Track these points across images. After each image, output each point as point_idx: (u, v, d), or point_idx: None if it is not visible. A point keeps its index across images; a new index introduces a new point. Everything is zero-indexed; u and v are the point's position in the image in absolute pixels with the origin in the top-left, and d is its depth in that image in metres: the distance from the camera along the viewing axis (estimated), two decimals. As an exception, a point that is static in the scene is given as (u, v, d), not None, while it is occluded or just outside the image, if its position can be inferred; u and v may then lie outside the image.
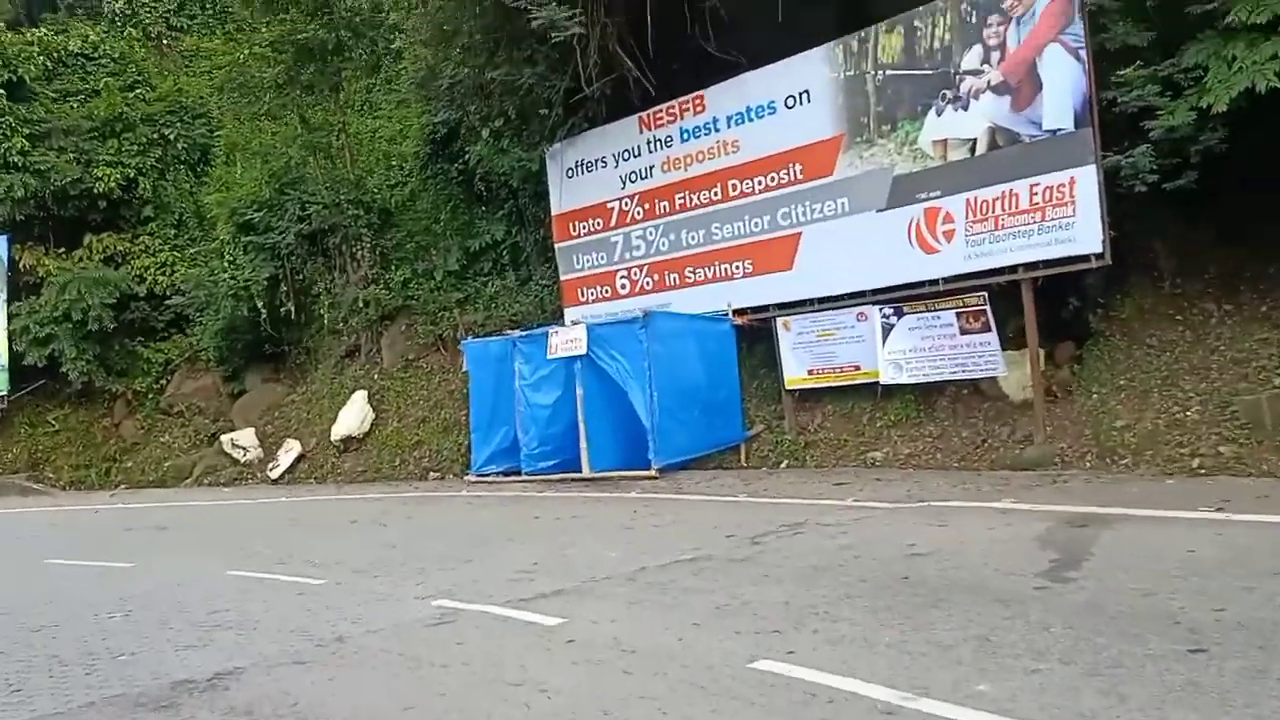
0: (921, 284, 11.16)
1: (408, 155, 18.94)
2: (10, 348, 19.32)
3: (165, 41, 23.93)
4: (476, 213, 17.87)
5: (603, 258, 14.84)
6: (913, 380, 11.30)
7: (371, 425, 17.39)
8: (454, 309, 17.44)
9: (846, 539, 6.85)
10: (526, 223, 17.14)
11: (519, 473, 13.25)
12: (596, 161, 14.80)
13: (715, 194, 13.31)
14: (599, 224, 14.87)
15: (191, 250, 20.92)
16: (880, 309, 11.46)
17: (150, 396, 20.43)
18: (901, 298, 11.34)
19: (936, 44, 11.18)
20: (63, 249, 20.10)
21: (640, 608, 5.56)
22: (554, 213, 15.48)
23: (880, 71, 11.67)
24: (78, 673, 5.46)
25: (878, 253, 11.47)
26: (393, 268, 18.20)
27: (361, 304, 17.94)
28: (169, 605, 7.10)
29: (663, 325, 12.25)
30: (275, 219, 17.90)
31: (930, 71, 11.22)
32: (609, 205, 14.70)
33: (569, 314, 15.20)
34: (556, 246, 15.61)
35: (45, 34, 20.79)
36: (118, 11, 22.88)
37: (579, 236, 15.18)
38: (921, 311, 11.19)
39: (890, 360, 11.34)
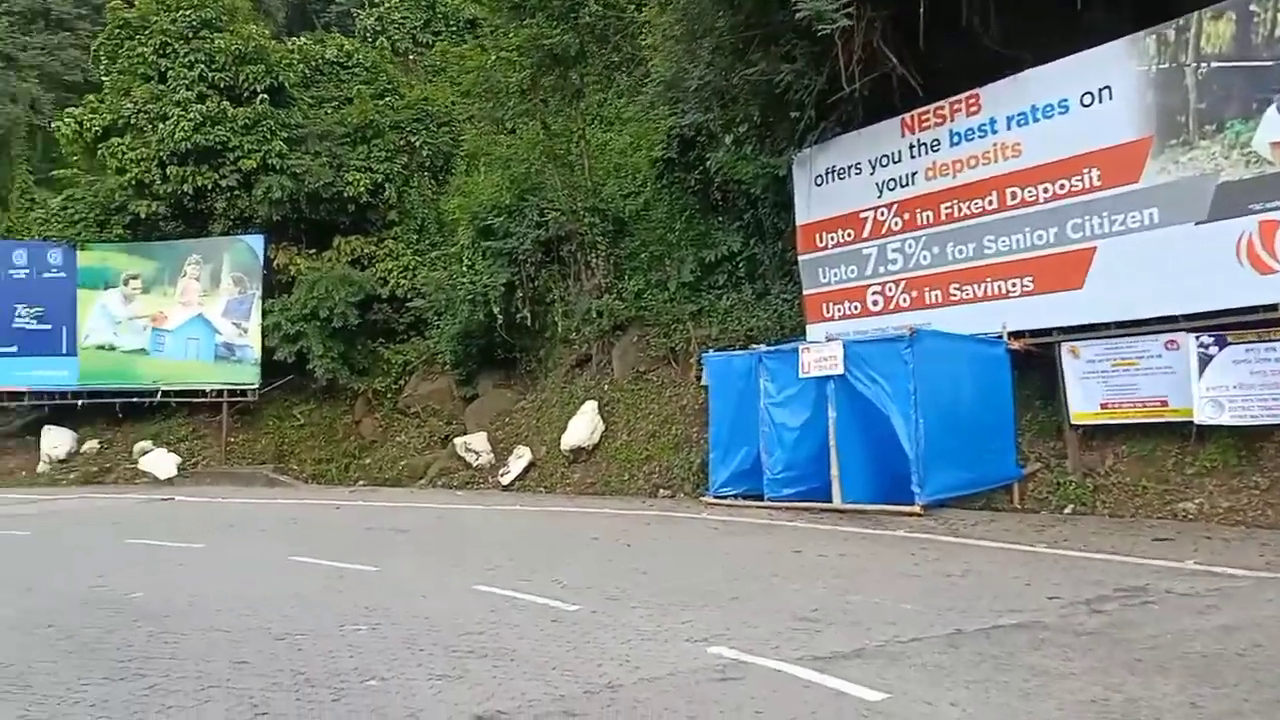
0: (1253, 309, 9.46)
1: (641, 165, 18.55)
2: (263, 343, 20.26)
3: (411, 56, 24.82)
4: (713, 223, 17.22)
5: (853, 271, 13.74)
6: (1236, 422, 9.60)
7: (601, 437, 16.98)
8: (687, 321, 16.81)
9: (1221, 617, 5.54)
10: (766, 234, 16.30)
11: (760, 497, 12.36)
12: (850, 168, 13.75)
13: (990, 203, 11.96)
14: (850, 235, 13.78)
15: (432, 255, 21.36)
16: (1197, 337, 9.83)
17: (389, 396, 20.94)
18: (1225, 325, 9.68)
19: (1279, 31, 9.51)
20: (313, 250, 20.97)
21: (984, 690, 4.51)
22: (799, 223, 14.52)
23: (1203, 64, 10.04)
24: (325, 697, 5.00)
25: (1194, 271, 9.85)
26: (626, 278, 17.80)
27: (595, 313, 17.63)
28: (416, 622, 6.65)
29: (931, 345, 11.05)
30: (514, 225, 17.90)
31: (1270, 63, 9.54)
32: (862, 215, 13.59)
33: (811, 331, 14.20)
34: (800, 259, 14.65)
35: (305, 43, 21.85)
36: (369, 28, 23.89)
37: (826, 249, 14.15)
38: (1252, 342, 9.50)
39: (1209, 397, 9.69)
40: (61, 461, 20.43)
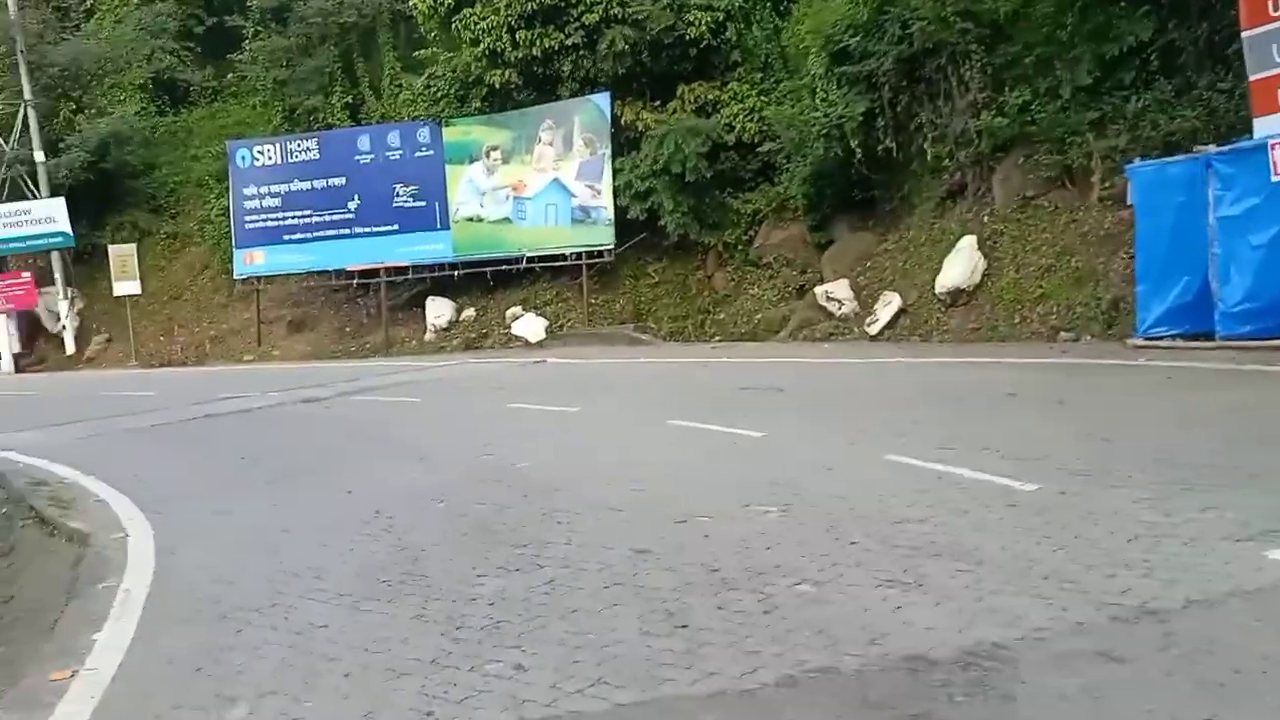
0: None
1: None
2: (615, 203, 19.96)
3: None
4: (1113, 11, 14.17)
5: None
6: None
7: (983, 276, 15.00)
8: (1086, 133, 14.19)
9: None
10: (1188, 11, 13.18)
11: (1208, 336, 10.05)
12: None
13: None
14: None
15: (777, 94, 19.81)
16: None
17: (739, 248, 20.02)
18: None
19: None
20: (657, 102, 20.14)
21: None
22: (1248, -14, 11.37)
23: None
24: (751, 605, 4.06)
25: None
26: (1007, 90, 15.26)
27: (970, 135, 15.39)
28: (833, 503, 5.58)
29: None
30: (872, 44, 15.86)
31: None
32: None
33: (1261, 125, 11.20)
34: (1244, 36, 11.56)
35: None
36: None
37: (1288, 16, 10.98)
38: None
39: None
40: (444, 329, 21.69)
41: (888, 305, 15.86)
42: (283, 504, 7.29)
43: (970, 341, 14.24)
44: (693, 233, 19.72)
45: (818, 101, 17.39)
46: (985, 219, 15.57)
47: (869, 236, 18.36)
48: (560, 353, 18.00)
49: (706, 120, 19.43)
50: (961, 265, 15.06)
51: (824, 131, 16.91)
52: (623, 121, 20.16)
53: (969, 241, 15.22)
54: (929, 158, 16.15)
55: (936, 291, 15.22)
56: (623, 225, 20.21)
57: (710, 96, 20.00)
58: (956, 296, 15.03)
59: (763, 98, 19.78)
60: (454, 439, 9.49)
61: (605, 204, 20.16)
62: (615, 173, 19.95)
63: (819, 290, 17.06)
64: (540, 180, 20.90)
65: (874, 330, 15.71)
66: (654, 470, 7.10)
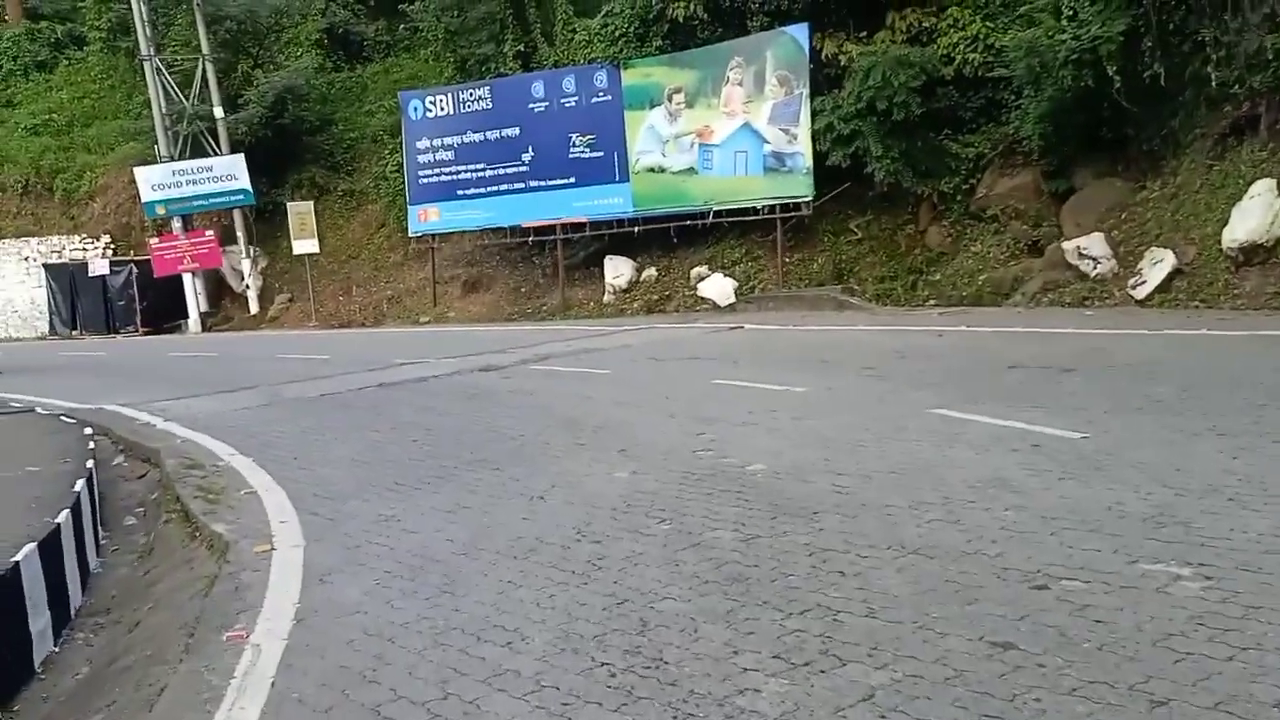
0: None
1: None
2: (814, 148, 17.81)
3: None
4: None
5: None
6: None
7: (1287, 228, 12.21)
8: None
9: None
10: None
11: None
12: None
13: None
14: None
15: (1004, 19, 17.15)
16: None
17: (958, 199, 17.55)
18: None
19: None
20: (863, 33, 17.80)
21: None
22: None
23: None
24: None
25: None
26: (1321, -5, 12.29)
27: (1266, 56, 12.50)
28: (1270, 561, 3.55)
29: None
30: (1143, -56, 13.14)
31: None
32: None
33: None
34: None
35: None
36: None
37: None
38: None
39: None
40: (624, 291, 20.18)
41: (1158, 264, 13.23)
42: (460, 509, 5.81)
43: (1272, 308, 11.57)
44: (904, 181, 17.37)
45: (1064, 22, 14.74)
46: (1286, 157, 12.72)
47: (1120, 183, 15.63)
48: (755, 317, 16.14)
49: (921, 50, 17.00)
50: (1257, 216, 12.31)
51: (1072, 56, 14.28)
52: (823, 56, 17.93)
53: (1266, 186, 12.43)
54: (1212, 84, 13.30)
55: (1224, 247, 12.51)
56: (822, 174, 18.04)
57: (925, 23, 17.54)
58: (1251, 254, 12.29)
59: (988, 23, 17.16)
60: (659, 424, 7.83)
61: (803, 150, 18.02)
62: (814, 114, 17.76)
63: (1068, 246, 14.50)
64: (729, 125, 18.90)
65: (1141, 294, 13.12)
66: (949, 488, 5.20)
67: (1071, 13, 14.59)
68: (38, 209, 29.54)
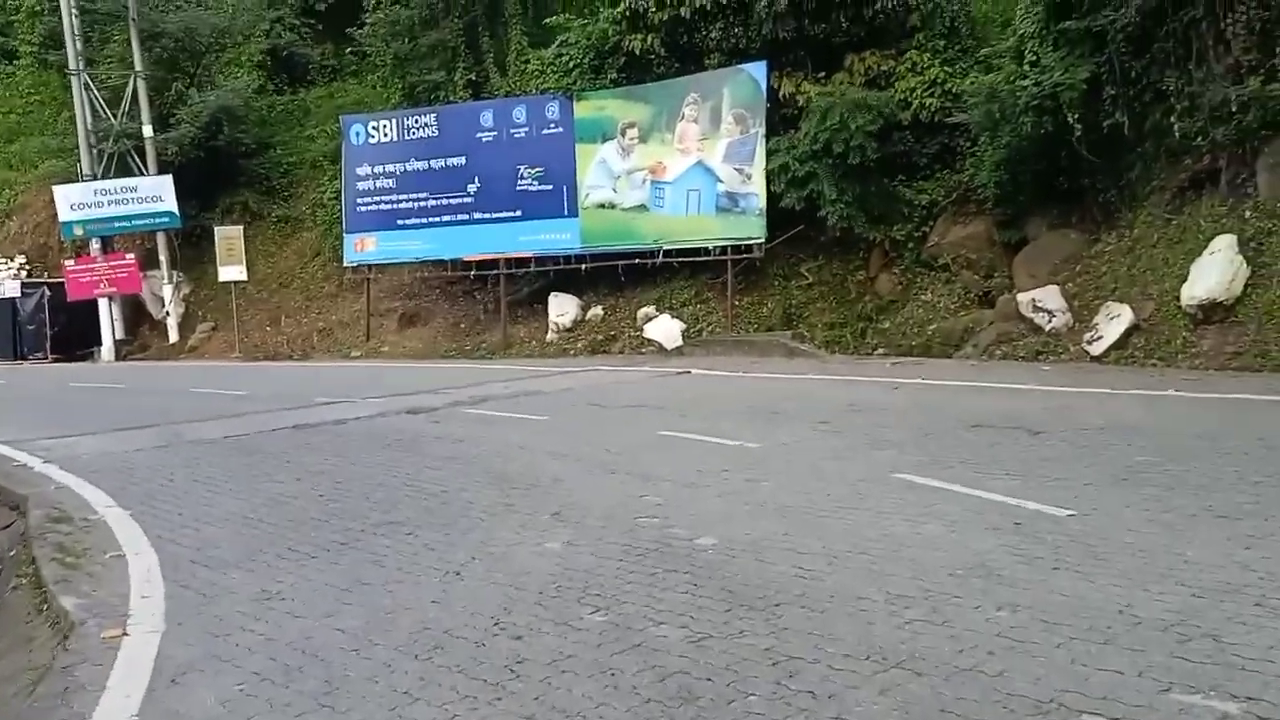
0: None
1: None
2: (768, 189, 17.29)
3: None
4: None
5: None
6: None
7: (1246, 286, 11.89)
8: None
9: None
10: None
11: None
12: None
13: None
14: None
15: (962, 64, 16.93)
16: None
17: (909, 246, 17.14)
18: None
19: None
20: (822, 74, 17.42)
21: None
22: None
23: None
24: None
25: None
26: (1282, 50, 12.11)
27: (1232, 107, 12.25)
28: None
29: None
30: (1108, -8, 12.89)
31: None
32: None
33: None
34: None
35: None
36: None
37: None
38: None
39: None
40: (568, 330, 19.41)
41: (1114, 319, 12.84)
42: (359, 585, 4.95)
43: (1230, 369, 11.20)
44: (857, 226, 16.93)
45: (1025, 67, 14.48)
46: (1247, 214, 12.46)
47: (1075, 235, 15.36)
48: (703, 362, 15.46)
49: (878, 94, 16.64)
50: (1217, 273, 11.98)
51: (1033, 103, 13.99)
52: (780, 95, 17.52)
53: (1227, 242, 12.14)
54: (1175, 135, 13.03)
55: (1183, 304, 12.15)
56: (774, 216, 17.54)
57: (884, 67, 17.24)
58: (1211, 311, 11.94)
59: (946, 68, 16.92)
60: (598, 482, 7.04)
61: (756, 190, 17.52)
62: (769, 154, 17.29)
63: (1022, 298, 14.08)
64: (683, 162, 18.35)
65: (1098, 350, 12.70)
66: (928, 577, 4.49)
67: (1034, 58, 14.35)
68: (-49, 226, 28.01)
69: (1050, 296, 13.91)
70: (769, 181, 17.34)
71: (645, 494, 6.51)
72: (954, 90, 16.42)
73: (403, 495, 6.89)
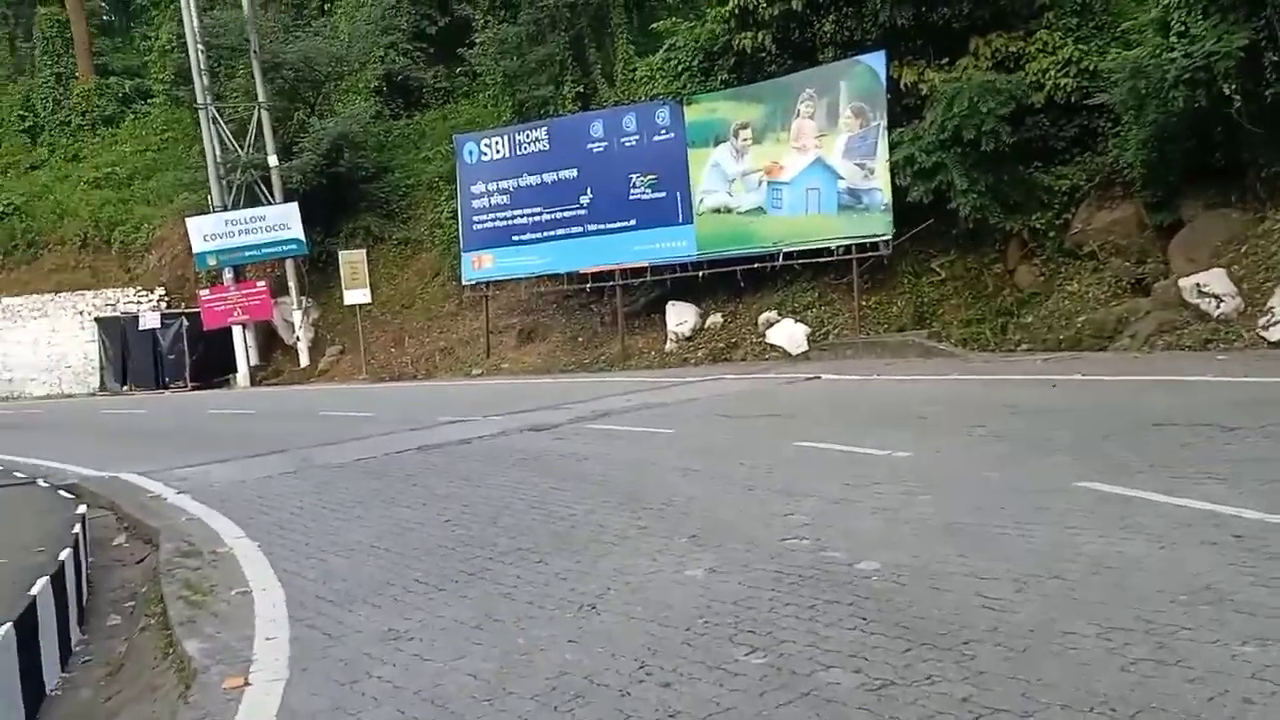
0: None
1: None
2: (892, 183, 16.50)
3: None
4: None
5: None
6: None
7: None
8: None
9: None
10: None
11: None
12: None
13: None
14: None
15: (1099, 41, 15.83)
16: None
17: (1050, 235, 16.11)
18: None
19: None
20: (945, 60, 16.54)
21: None
22: None
23: None
24: None
25: None
26: None
27: None
28: None
29: None
30: (1268, -54, 11.75)
31: None
32: None
33: None
34: None
35: None
36: None
37: None
38: None
39: None
40: (687, 339, 18.96)
41: (1292, 303, 11.68)
42: (489, 621, 4.57)
43: None
44: (991, 217, 16.00)
45: (1173, 39, 13.35)
46: None
47: (1236, 216, 14.12)
48: (832, 366, 14.76)
49: (1008, 76, 15.69)
50: None
51: (1184, 76, 12.86)
52: (901, 85, 16.73)
53: None
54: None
55: (1374, 282, 10.93)
56: (901, 211, 16.72)
57: (1012, 48, 16.29)
58: None
59: (1080, 46, 15.83)
60: (736, 500, 6.53)
61: (880, 185, 16.74)
62: (892, 147, 16.51)
63: (1185, 284, 12.97)
64: (800, 161, 17.69)
65: (1276, 334, 11.55)
66: (1144, 603, 3.83)
67: (1183, 29, 13.20)
68: (95, 262, 29.40)
69: (1217, 280, 12.77)
70: (893, 175, 16.57)
71: (790, 512, 5.97)
72: (1091, 68, 15.37)
73: (530, 519, 6.53)
